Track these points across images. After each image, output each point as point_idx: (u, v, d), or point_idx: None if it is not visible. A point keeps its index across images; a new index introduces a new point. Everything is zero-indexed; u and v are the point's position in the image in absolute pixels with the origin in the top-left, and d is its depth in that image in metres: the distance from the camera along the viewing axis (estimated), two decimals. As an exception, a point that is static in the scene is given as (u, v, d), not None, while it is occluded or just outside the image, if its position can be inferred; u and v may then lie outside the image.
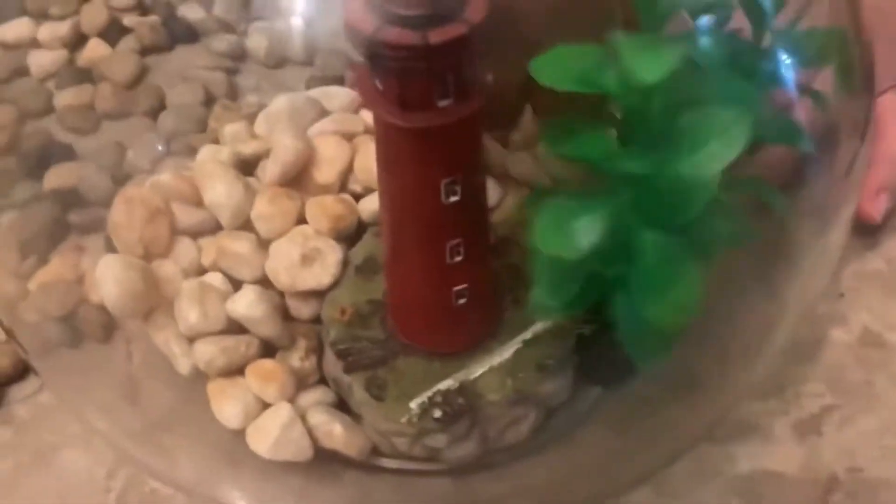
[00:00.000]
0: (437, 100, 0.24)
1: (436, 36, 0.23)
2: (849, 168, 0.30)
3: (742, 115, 0.23)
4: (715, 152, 0.24)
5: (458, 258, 0.28)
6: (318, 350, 0.33)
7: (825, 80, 0.29)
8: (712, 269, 0.27)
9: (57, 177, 0.38)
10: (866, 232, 0.42)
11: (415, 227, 0.28)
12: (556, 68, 0.24)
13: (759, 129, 0.26)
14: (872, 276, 0.41)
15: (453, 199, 0.27)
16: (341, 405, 0.33)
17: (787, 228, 0.32)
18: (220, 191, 0.34)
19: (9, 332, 0.32)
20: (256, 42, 0.44)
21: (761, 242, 0.32)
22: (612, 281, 0.27)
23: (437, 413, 0.30)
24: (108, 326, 0.34)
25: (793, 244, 0.32)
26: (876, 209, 0.41)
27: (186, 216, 0.34)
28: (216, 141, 0.39)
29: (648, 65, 0.22)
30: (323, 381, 0.33)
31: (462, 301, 0.30)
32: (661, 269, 0.25)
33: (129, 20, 0.44)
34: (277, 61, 0.44)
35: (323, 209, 0.34)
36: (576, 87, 0.24)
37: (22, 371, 0.38)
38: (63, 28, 0.45)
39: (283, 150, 0.35)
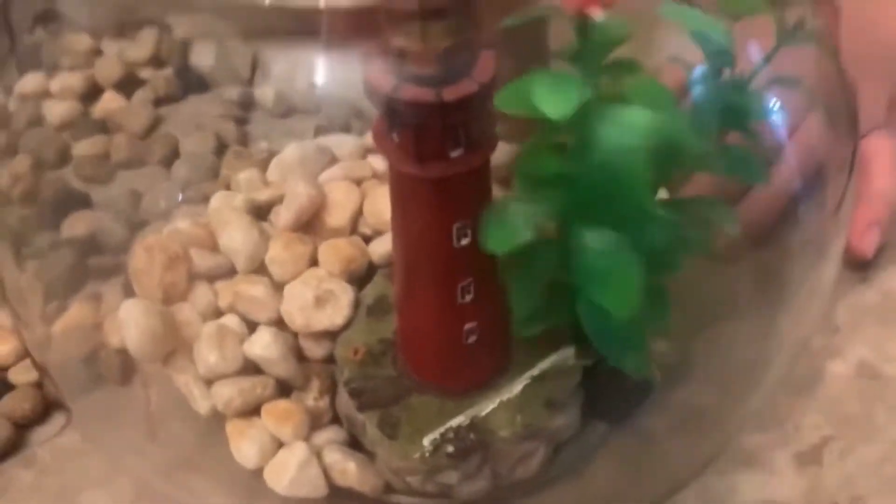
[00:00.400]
0: (449, 151, 0.26)
1: (449, 93, 0.25)
2: (838, 205, 0.32)
3: (642, 110, 0.26)
4: (619, 142, 0.26)
5: (469, 297, 0.29)
6: (331, 390, 0.34)
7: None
8: (671, 278, 0.29)
9: (74, 225, 0.40)
10: (859, 266, 0.43)
11: (427, 269, 0.30)
12: (512, 100, 0.26)
13: (707, 162, 0.28)
14: (867, 309, 0.42)
15: (464, 241, 0.28)
16: (354, 444, 0.34)
17: (783, 263, 0.33)
18: (236, 236, 0.35)
19: (42, 371, 0.33)
20: (264, 92, 0.45)
21: (758, 278, 0.33)
22: (575, 289, 0.29)
23: (450, 448, 0.31)
24: (127, 369, 0.35)
25: (788, 279, 0.33)
26: (867, 245, 0.42)
27: (203, 261, 0.36)
28: (228, 187, 0.40)
29: (555, 103, 0.24)
30: (336, 420, 0.34)
31: (472, 339, 0.31)
32: (601, 261, 0.27)
33: (144, 73, 0.45)
34: (285, 110, 0.45)
35: (336, 252, 0.35)
36: (529, 113, 0.26)
37: (42, 414, 0.38)
38: (75, 80, 0.46)
39: (297, 196, 0.36)
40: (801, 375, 0.39)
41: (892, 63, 0.45)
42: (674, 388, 0.33)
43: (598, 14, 0.24)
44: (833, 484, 0.36)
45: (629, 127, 0.26)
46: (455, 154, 0.26)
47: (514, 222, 0.27)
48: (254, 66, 0.45)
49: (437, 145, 0.26)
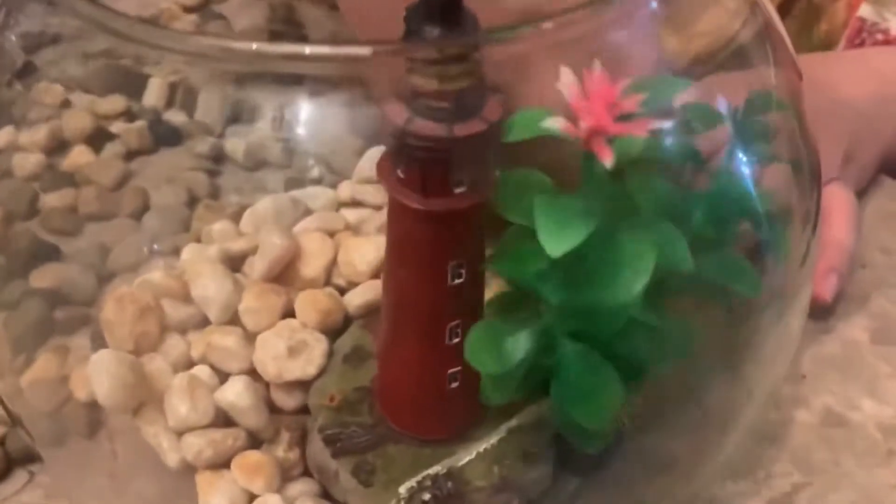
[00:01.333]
0: (453, 187, 0.27)
1: (460, 129, 0.26)
2: (803, 258, 0.33)
3: (648, 245, 0.26)
4: (625, 282, 0.26)
5: (456, 340, 0.30)
6: (301, 441, 0.34)
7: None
8: (647, 380, 0.30)
9: (42, 277, 0.39)
10: (820, 316, 0.44)
11: (420, 308, 0.30)
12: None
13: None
14: (829, 358, 0.43)
15: (458, 281, 0.28)
16: (326, 496, 0.33)
17: (751, 316, 0.34)
18: (209, 286, 0.35)
19: (17, 422, 0.32)
20: (235, 145, 0.46)
21: (727, 330, 0.34)
22: (550, 368, 0.29)
23: (426, 497, 0.31)
24: (94, 422, 0.34)
25: (756, 331, 0.34)
26: (827, 290, 0.43)
27: (176, 312, 0.35)
28: (199, 240, 0.40)
29: (556, 239, 0.24)
30: (307, 472, 0.33)
31: (454, 385, 0.31)
32: (583, 379, 0.28)
33: (116, 127, 0.45)
34: (255, 163, 0.46)
35: (313, 303, 0.35)
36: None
37: (5, 471, 0.37)
38: (45, 132, 0.46)
39: (271, 246, 0.36)
40: (769, 424, 0.40)
41: (847, 120, 0.47)
42: (644, 438, 0.34)
43: (607, 160, 0.23)
44: (805, 531, 0.36)
45: (637, 264, 0.25)
46: (458, 190, 0.27)
47: (503, 347, 0.27)
48: (229, 118, 0.46)
49: (442, 181, 0.27)
